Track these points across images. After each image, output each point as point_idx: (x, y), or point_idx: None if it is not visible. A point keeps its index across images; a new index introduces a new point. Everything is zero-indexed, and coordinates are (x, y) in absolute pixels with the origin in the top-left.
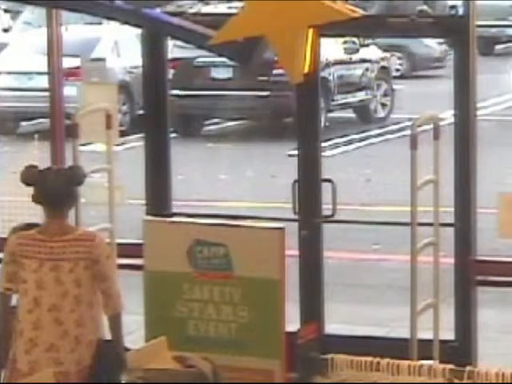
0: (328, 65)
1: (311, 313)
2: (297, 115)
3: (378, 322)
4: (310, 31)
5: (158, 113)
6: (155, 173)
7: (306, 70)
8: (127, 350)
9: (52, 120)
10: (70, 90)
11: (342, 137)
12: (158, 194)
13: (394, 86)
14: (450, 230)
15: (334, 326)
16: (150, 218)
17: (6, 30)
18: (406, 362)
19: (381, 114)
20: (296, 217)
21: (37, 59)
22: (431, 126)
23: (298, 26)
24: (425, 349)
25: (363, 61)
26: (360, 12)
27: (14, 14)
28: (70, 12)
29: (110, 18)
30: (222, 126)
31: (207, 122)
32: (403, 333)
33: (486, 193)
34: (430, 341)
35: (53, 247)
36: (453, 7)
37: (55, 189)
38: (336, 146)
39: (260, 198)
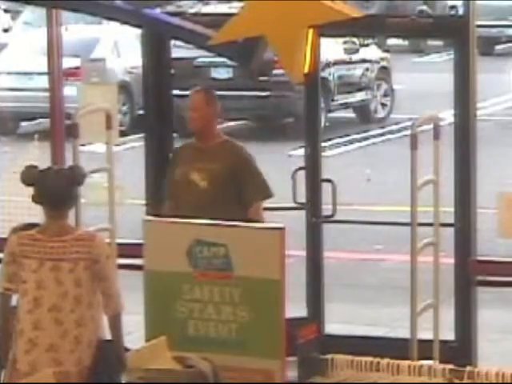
0: (328, 65)
1: (313, 312)
2: (305, 115)
3: (378, 322)
4: (310, 31)
5: (159, 113)
6: (155, 173)
7: (306, 70)
8: (127, 350)
9: (52, 120)
10: (69, 90)
11: (342, 137)
12: (158, 194)
13: (395, 86)
14: (450, 230)
15: (334, 326)
16: (149, 217)
17: (6, 30)
18: (406, 362)
19: (381, 114)
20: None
21: (37, 59)
22: (431, 125)
23: (298, 25)
24: (425, 349)
25: (363, 61)
26: (360, 12)
27: (14, 14)
28: (70, 12)
29: (110, 18)
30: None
31: None
32: (403, 333)
33: (486, 193)
34: (430, 341)
35: (53, 247)
36: (453, 7)
37: (55, 189)
38: (336, 145)
39: None
